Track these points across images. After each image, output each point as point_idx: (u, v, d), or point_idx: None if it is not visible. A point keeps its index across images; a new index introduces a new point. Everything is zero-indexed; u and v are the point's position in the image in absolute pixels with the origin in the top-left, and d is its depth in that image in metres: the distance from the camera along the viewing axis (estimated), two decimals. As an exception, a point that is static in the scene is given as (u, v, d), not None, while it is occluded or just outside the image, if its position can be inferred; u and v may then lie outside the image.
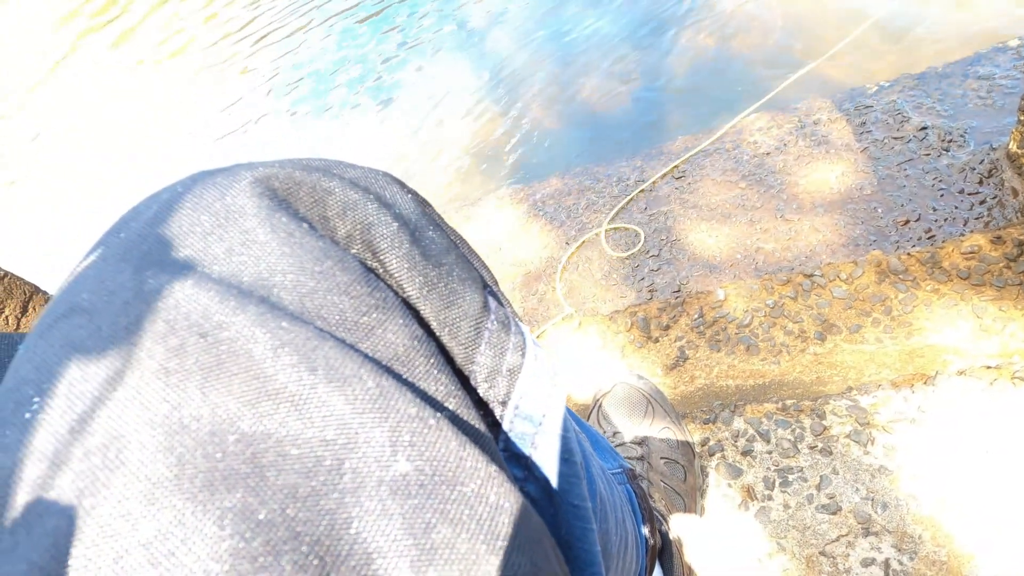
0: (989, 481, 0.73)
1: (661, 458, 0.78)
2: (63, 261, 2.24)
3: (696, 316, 1.07)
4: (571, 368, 1.10)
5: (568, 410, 0.48)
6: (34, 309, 1.12)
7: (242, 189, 0.24)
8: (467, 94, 2.22)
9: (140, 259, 0.22)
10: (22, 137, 2.91)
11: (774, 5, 1.95)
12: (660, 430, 0.81)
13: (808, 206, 1.32)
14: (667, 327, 1.08)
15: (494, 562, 0.20)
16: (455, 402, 0.23)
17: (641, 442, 0.79)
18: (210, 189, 0.24)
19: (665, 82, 1.91)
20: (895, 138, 1.35)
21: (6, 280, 1.08)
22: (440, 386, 0.23)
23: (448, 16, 2.55)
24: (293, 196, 0.25)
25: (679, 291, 1.26)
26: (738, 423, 0.86)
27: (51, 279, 1.29)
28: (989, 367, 0.82)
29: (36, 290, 1.14)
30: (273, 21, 2.97)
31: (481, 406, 0.26)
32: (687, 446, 0.82)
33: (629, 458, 0.76)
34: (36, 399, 0.20)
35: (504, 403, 0.27)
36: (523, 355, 0.27)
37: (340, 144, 2.28)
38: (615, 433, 0.82)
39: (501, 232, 1.58)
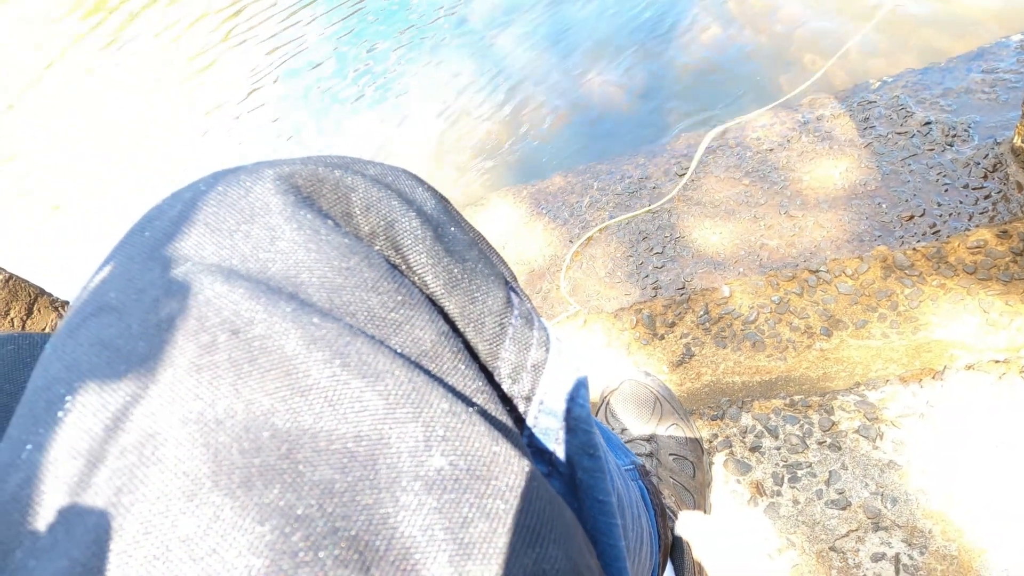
0: (999, 475, 0.73)
1: (670, 455, 0.78)
2: (63, 262, 2.24)
3: (702, 313, 1.07)
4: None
5: None
6: (39, 311, 1.12)
7: (266, 187, 0.24)
8: (469, 92, 2.21)
9: (167, 257, 0.22)
10: (21, 137, 2.91)
11: (775, 3, 1.95)
12: (668, 427, 0.81)
13: (812, 202, 1.32)
14: (673, 324, 1.08)
15: (532, 555, 0.19)
16: (483, 397, 0.23)
17: (649, 439, 0.79)
18: (234, 187, 0.24)
19: (667, 79, 1.91)
20: (899, 133, 1.35)
21: (11, 283, 1.08)
22: (468, 381, 0.23)
23: (450, 12, 2.55)
24: (317, 193, 0.25)
25: (684, 288, 1.26)
26: (746, 419, 0.86)
27: (52, 280, 1.29)
28: (997, 361, 0.82)
29: (41, 292, 1.14)
30: (274, 14, 2.96)
31: (506, 402, 0.26)
32: (695, 443, 0.82)
33: (638, 455, 0.76)
34: (68, 397, 0.20)
35: (528, 399, 0.27)
36: (547, 350, 0.27)
37: (341, 141, 2.28)
38: (623, 430, 0.82)
39: (505, 230, 1.58)
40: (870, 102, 1.42)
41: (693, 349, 1.04)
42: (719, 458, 0.84)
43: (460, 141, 2.05)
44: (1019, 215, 1.10)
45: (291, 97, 2.53)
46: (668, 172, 1.51)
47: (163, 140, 2.64)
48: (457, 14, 2.52)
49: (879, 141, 1.35)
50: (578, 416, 0.27)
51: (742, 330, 1.03)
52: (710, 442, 0.86)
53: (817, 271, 1.03)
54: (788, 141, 1.44)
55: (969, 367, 0.82)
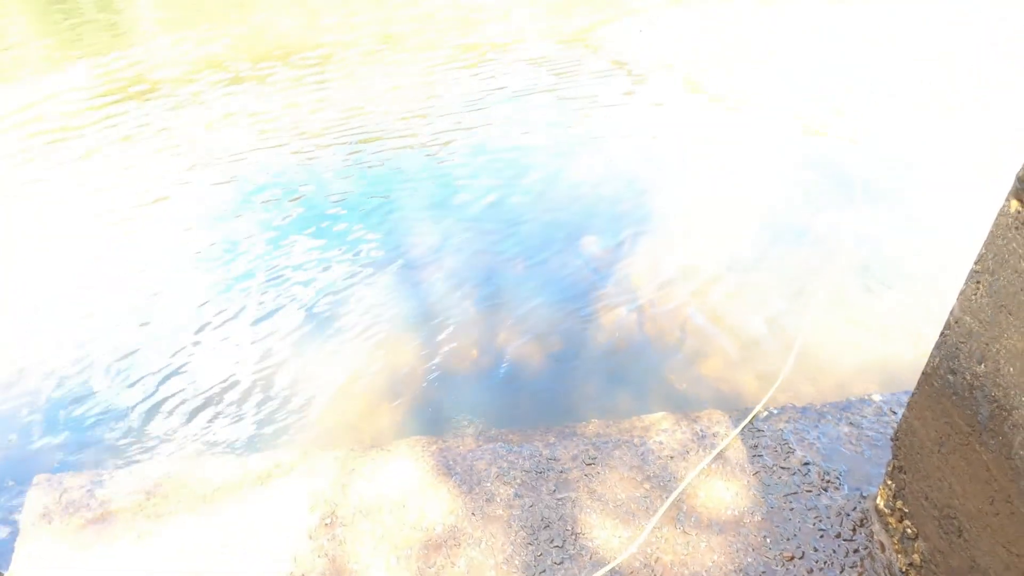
0: None
1: None
2: None
3: (599, 644, 1.05)
4: None
5: None
6: None
7: None
8: (397, 330, 2.28)
9: None
10: None
11: (695, 310, 2.21)
12: None
13: (705, 522, 1.39)
14: (569, 652, 1.05)
15: None
16: None
17: None
18: None
19: (587, 361, 2.06)
20: (782, 467, 1.49)
21: None
22: None
23: (399, 254, 2.69)
24: None
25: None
26: None
27: None
28: None
29: None
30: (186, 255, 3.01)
31: None
32: None
33: None
34: None
35: None
36: None
37: (262, 368, 2.23)
38: None
39: (409, 485, 1.54)
40: (758, 430, 1.58)
41: None
42: None
43: (378, 378, 2.06)
44: (886, 593, 1.21)
45: (210, 324, 2.50)
46: (576, 458, 1.57)
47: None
48: (403, 257, 2.67)
49: (765, 471, 1.48)
50: None
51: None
52: None
53: (711, 620, 1.07)
54: (687, 452, 1.55)
55: None
